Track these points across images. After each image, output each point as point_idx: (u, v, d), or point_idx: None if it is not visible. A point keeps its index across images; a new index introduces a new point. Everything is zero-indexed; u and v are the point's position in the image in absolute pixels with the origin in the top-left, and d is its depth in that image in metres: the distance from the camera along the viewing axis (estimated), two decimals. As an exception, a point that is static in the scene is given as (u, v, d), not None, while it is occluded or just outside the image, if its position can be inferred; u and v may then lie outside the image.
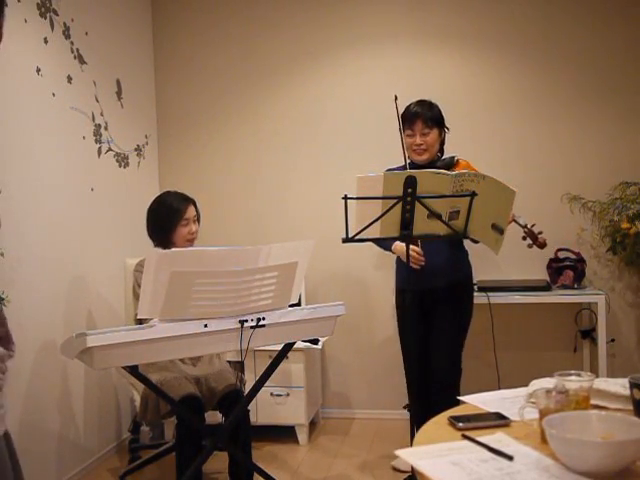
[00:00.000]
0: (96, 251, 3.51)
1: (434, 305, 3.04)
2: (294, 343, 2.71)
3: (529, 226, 2.91)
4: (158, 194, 3.15)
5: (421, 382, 3.07)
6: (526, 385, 1.66)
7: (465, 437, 1.36)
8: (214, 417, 3.08)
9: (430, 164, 3.00)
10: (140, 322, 2.61)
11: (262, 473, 2.84)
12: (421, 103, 3.05)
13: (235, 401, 2.83)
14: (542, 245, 2.94)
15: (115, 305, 3.59)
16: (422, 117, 2.98)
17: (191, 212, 3.02)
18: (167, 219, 2.98)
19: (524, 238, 2.94)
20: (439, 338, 3.04)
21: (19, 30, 2.94)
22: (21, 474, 1.35)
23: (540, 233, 2.94)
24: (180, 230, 2.98)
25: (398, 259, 3.12)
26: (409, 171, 2.60)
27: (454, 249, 2.97)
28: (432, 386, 3.06)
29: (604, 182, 3.79)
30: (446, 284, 3.00)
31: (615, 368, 3.72)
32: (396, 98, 2.88)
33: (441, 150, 3.11)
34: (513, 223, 2.90)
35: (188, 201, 3.03)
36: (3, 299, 1.29)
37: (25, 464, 1.40)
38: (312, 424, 3.88)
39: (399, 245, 2.96)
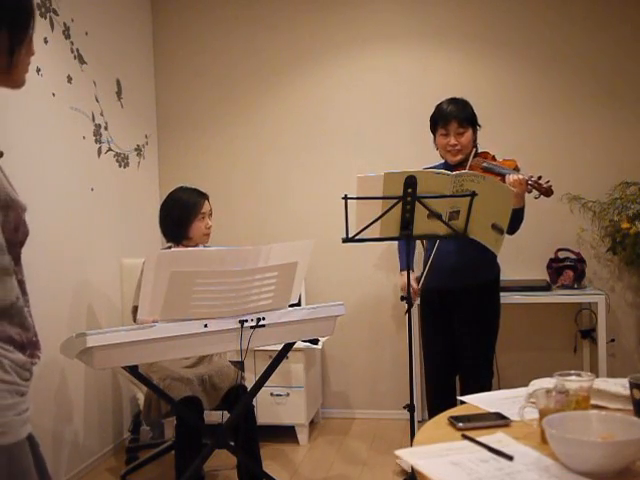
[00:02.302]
0: (96, 251, 3.51)
1: (457, 306, 3.03)
2: (294, 343, 2.71)
3: (534, 178, 2.80)
4: (171, 190, 3.13)
5: (445, 376, 3.11)
6: (526, 385, 1.66)
7: (465, 437, 1.36)
8: (214, 417, 3.08)
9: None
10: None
11: (265, 475, 2.85)
12: (454, 102, 2.99)
13: (240, 396, 2.84)
14: (548, 192, 2.80)
15: (115, 305, 3.59)
16: (457, 117, 2.93)
17: (206, 207, 3.04)
18: (184, 214, 2.99)
19: (529, 191, 2.83)
20: (464, 341, 3.03)
21: (19, 30, 2.94)
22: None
23: (546, 182, 2.80)
24: (197, 224, 3.00)
25: (425, 257, 3.14)
26: (409, 171, 2.60)
27: (480, 250, 2.85)
28: (463, 388, 3.08)
29: (604, 182, 3.79)
30: (468, 285, 2.98)
31: (615, 368, 3.72)
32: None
33: (475, 148, 3.05)
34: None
35: (203, 196, 3.06)
36: (28, 300, 1.33)
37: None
38: (312, 424, 3.88)
39: (401, 281, 3.08)
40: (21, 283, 1.33)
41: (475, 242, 2.76)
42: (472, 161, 2.94)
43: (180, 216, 2.99)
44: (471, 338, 3.01)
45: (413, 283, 2.95)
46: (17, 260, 1.32)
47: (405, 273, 3.05)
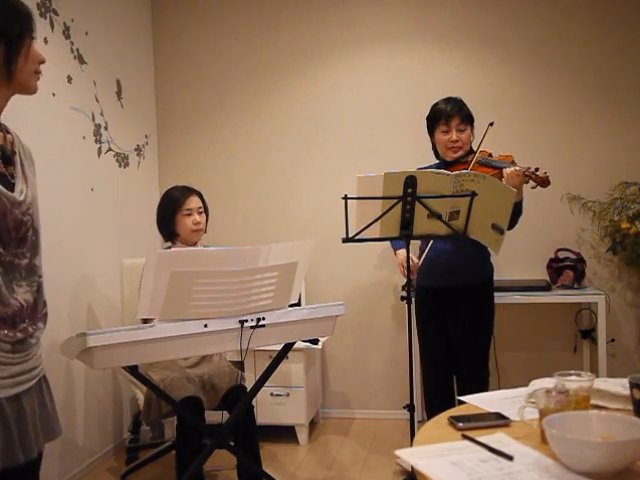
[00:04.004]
0: (96, 251, 3.51)
1: (452, 305, 3.03)
2: (294, 343, 2.70)
3: (531, 169, 2.81)
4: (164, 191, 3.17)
5: (442, 376, 3.10)
6: (526, 385, 1.66)
7: (465, 437, 1.36)
8: (214, 417, 3.08)
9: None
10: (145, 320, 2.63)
11: (264, 475, 2.86)
12: (453, 100, 3.00)
13: (240, 396, 2.84)
14: (545, 181, 2.81)
15: (116, 305, 3.59)
16: (459, 113, 2.95)
17: (193, 203, 3.04)
18: (168, 210, 3.04)
19: (526, 182, 2.84)
20: (459, 340, 3.03)
21: (19, 30, 2.94)
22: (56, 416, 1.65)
23: (543, 172, 2.81)
24: (182, 220, 3.01)
25: (420, 256, 3.13)
26: (409, 171, 2.60)
27: (475, 250, 2.90)
28: (460, 387, 3.08)
29: (604, 182, 3.79)
30: (463, 284, 2.98)
31: (615, 368, 3.72)
32: (491, 124, 2.85)
33: (470, 147, 3.05)
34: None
35: (190, 191, 3.06)
36: (17, 279, 1.54)
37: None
38: (312, 424, 3.88)
39: (401, 255, 2.98)
40: (8, 264, 1.47)
41: (469, 241, 2.77)
42: (469, 157, 2.95)
43: (165, 212, 3.05)
44: (466, 337, 3.01)
45: (413, 257, 2.91)
46: (6, 244, 1.47)
47: (401, 251, 2.98)
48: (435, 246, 2.98)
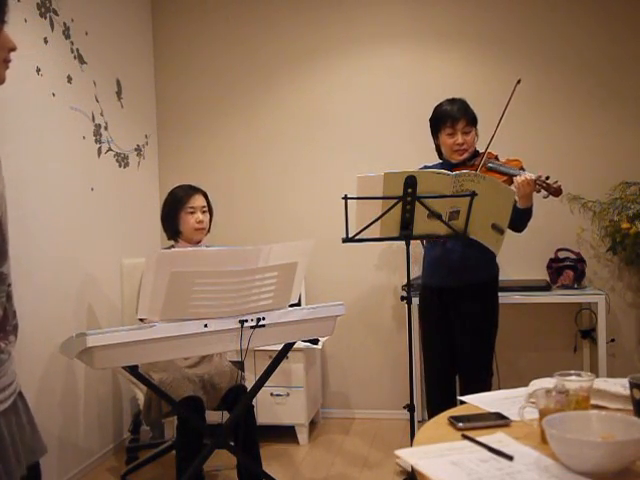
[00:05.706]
0: (96, 251, 3.51)
1: (456, 305, 3.02)
2: (294, 343, 2.70)
3: (542, 178, 2.77)
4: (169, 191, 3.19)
5: (445, 375, 3.09)
6: (526, 385, 1.66)
7: (465, 437, 1.36)
8: (214, 417, 3.08)
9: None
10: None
11: (264, 475, 2.85)
12: (457, 101, 2.98)
13: (240, 396, 2.84)
14: (557, 191, 2.76)
15: (115, 305, 3.59)
16: (465, 116, 2.94)
17: (198, 201, 3.06)
18: (172, 207, 3.06)
19: (538, 191, 2.80)
20: (463, 339, 3.02)
21: (19, 30, 2.94)
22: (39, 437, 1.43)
23: (555, 182, 2.77)
24: (186, 218, 3.03)
25: (425, 256, 3.12)
26: (409, 171, 2.60)
27: (479, 249, 2.87)
28: (462, 387, 3.07)
29: (604, 182, 3.79)
30: (468, 284, 2.97)
31: (615, 368, 3.72)
32: (519, 81, 2.83)
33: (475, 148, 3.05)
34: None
35: (195, 190, 3.09)
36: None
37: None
38: (312, 424, 3.88)
39: None
40: None
41: (474, 241, 2.76)
42: (477, 160, 2.94)
43: (169, 209, 3.07)
44: (470, 337, 3.00)
45: None
46: None
47: None
48: (440, 246, 2.98)
